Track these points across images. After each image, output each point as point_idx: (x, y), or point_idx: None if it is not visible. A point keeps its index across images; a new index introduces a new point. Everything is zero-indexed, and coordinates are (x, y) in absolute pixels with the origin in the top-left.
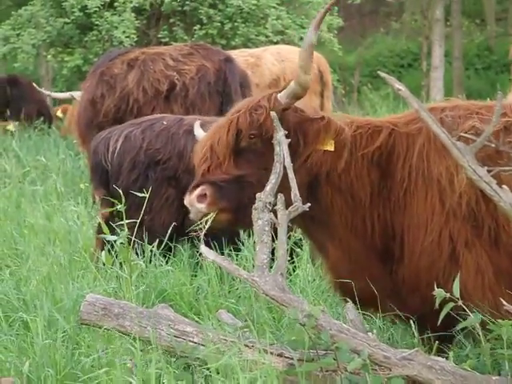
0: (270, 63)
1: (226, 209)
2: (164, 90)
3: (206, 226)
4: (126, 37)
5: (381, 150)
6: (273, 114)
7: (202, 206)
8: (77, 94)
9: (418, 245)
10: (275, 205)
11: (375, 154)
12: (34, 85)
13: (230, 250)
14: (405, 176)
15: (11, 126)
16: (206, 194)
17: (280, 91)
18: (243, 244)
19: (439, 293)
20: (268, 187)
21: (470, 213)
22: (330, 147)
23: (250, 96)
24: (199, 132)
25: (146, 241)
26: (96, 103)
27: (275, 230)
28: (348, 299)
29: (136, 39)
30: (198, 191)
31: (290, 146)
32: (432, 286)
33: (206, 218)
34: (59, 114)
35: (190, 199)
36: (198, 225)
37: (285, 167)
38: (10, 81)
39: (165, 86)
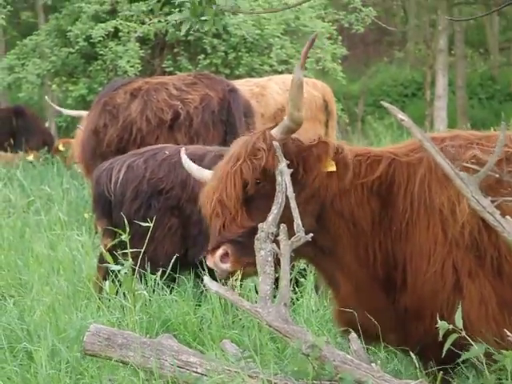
0: (275, 92)
1: (250, 263)
2: (168, 119)
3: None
4: (131, 66)
5: (381, 180)
6: (275, 143)
7: (227, 266)
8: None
9: (421, 275)
10: (277, 235)
11: (375, 184)
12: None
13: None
14: (406, 206)
15: (31, 156)
16: (227, 253)
17: (272, 127)
18: None
19: (442, 325)
20: (270, 217)
21: (473, 242)
22: (332, 167)
23: (253, 125)
24: (189, 164)
25: (149, 271)
26: (99, 133)
27: (278, 261)
28: (350, 330)
29: (140, 69)
30: (220, 252)
31: (292, 175)
32: (435, 317)
33: (233, 276)
34: (61, 147)
35: (215, 261)
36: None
37: (287, 198)
38: (16, 112)
39: (169, 115)
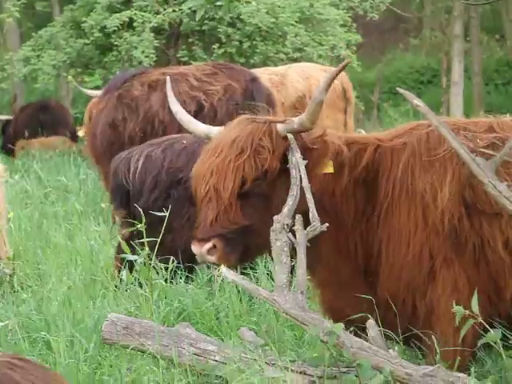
0: (295, 81)
1: (235, 259)
2: (191, 111)
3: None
4: (146, 57)
5: (367, 169)
6: (290, 136)
7: (212, 259)
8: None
9: (399, 258)
10: (292, 226)
11: (362, 174)
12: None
13: (245, 269)
14: (388, 190)
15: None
16: (215, 247)
17: (279, 121)
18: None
19: (458, 310)
20: (285, 209)
21: (452, 230)
22: (329, 169)
23: (276, 115)
24: (181, 113)
25: (167, 260)
26: (117, 126)
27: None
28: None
29: (155, 59)
30: (208, 245)
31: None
32: (407, 304)
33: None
34: (80, 133)
35: (201, 252)
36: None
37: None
38: (42, 107)
39: (192, 107)
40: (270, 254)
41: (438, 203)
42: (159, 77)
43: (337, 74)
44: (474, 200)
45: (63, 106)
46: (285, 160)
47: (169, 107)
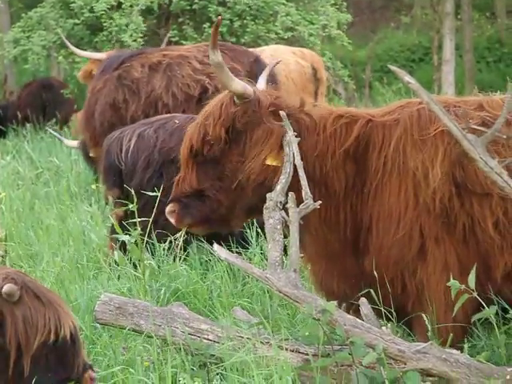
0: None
1: (193, 224)
2: (196, 94)
3: (180, 239)
4: (133, 41)
5: (358, 141)
6: (282, 113)
7: (172, 221)
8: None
9: (388, 237)
10: (285, 204)
11: (352, 146)
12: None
13: (237, 248)
14: (379, 166)
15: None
16: (174, 210)
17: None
18: (250, 242)
19: (454, 284)
20: (278, 187)
21: (443, 209)
22: (272, 162)
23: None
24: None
25: (161, 240)
26: (119, 108)
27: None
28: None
29: (146, 39)
30: (168, 208)
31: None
32: (396, 282)
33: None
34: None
35: (166, 214)
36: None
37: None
38: (45, 85)
39: (196, 90)
40: (234, 226)
41: (430, 182)
42: (160, 58)
43: (216, 30)
44: (464, 180)
45: (65, 84)
46: (233, 128)
47: (173, 92)
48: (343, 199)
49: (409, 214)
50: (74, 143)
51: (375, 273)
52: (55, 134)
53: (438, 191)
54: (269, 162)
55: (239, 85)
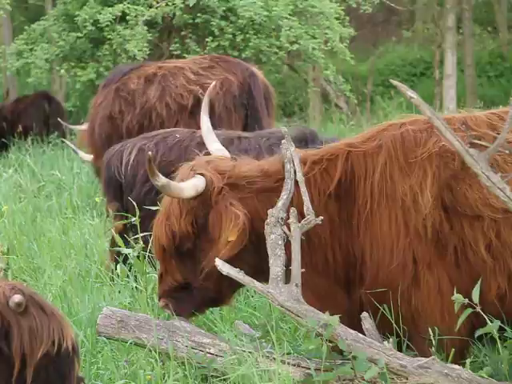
0: None
1: (187, 312)
2: (188, 104)
3: None
4: (139, 50)
5: (340, 182)
6: (283, 129)
7: (169, 313)
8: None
9: (383, 267)
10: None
11: (334, 189)
12: None
13: None
14: (367, 197)
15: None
16: (168, 305)
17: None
18: None
19: (458, 297)
20: (280, 203)
21: (435, 234)
22: (232, 238)
23: (273, 108)
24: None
25: None
26: (115, 119)
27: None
28: None
29: (149, 52)
30: (161, 303)
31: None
32: (392, 311)
33: None
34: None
35: (160, 307)
36: None
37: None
38: (46, 96)
39: (189, 101)
40: (225, 303)
41: (420, 207)
42: (156, 70)
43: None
44: (453, 203)
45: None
46: (196, 221)
47: (166, 102)
48: (330, 240)
49: (401, 242)
50: (90, 157)
51: (371, 303)
52: (72, 146)
53: (429, 217)
54: (231, 238)
55: (189, 189)
